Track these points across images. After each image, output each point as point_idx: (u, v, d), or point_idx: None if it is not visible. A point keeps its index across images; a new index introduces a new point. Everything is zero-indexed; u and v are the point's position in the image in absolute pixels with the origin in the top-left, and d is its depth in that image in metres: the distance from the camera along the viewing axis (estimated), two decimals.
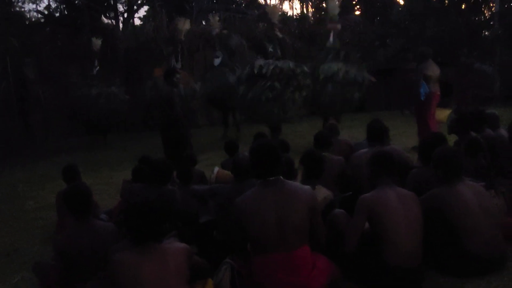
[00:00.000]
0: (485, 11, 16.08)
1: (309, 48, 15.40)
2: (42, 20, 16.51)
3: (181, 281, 2.70)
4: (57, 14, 16.36)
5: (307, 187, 3.22)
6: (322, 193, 3.91)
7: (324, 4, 18.01)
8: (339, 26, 9.44)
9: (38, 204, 6.75)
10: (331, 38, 9.30)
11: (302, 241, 3.06)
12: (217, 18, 11.77)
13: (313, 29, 15.85)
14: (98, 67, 11.95)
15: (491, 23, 15.37)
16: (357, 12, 18.34)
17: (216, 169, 5.84)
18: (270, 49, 9.12)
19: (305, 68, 8.74)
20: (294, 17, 20.09)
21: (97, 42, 12.00)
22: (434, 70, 7.80)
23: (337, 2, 9.44)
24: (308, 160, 4.09)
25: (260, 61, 8.74)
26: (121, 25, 18.54)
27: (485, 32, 15.90)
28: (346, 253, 3.33)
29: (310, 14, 19.19)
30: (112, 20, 18.03)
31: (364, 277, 3.29)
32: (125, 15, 19.03)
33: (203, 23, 17.68)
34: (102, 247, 3.25)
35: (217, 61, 10.63)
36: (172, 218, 3.93)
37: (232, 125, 11.23)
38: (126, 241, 3.13)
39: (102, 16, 16.98)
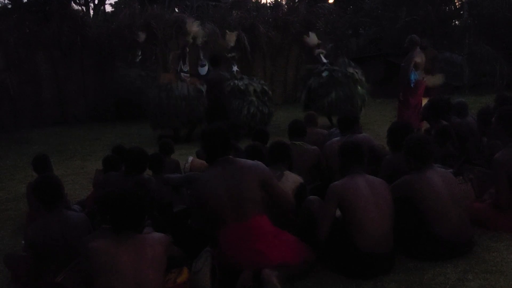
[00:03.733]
0: (456, 1, 16.36)
1: (283, 36, 15.37)
2: (9, 7, 16.00)
3: (158, 271, 2.70)
4: (25, 0, 15.87)
5: (258, 162, 3.42)
6: (291, 178, 3.89)
7: None
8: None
9: (8, 195, 6.61)
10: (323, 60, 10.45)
11: (256, 210, 3.24)
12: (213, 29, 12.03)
13: (287, 17, 15.77)
14: (141, 56, 12.92)
15: (461, 12, 15.66)
16: (331, 1, 18.39)
17: (190, 158, 5.83)
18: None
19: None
20: (268, 4, 20.01)
21: (142, 35, 12.85)
22: (422, 58, 7.82)
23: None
24: (271, 147, 4.10)
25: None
26: (91, 12, 18.16)
27: (455, 22, 16.18)
28: (319, 240, 3.39)
29: (283, 2, 19.10)
30: (83, 7, 17.64)
31: (337, 263, 3.35)
32: (96, 1, 18.64)
33: (176, 10, 17.46)
34: (74, 237, 3.23)
35: (203, 70, 10.59)
36: (149, 207, 3.91)
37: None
38: (101, 230, 3.12)
39: (72, 2, 16.57)
